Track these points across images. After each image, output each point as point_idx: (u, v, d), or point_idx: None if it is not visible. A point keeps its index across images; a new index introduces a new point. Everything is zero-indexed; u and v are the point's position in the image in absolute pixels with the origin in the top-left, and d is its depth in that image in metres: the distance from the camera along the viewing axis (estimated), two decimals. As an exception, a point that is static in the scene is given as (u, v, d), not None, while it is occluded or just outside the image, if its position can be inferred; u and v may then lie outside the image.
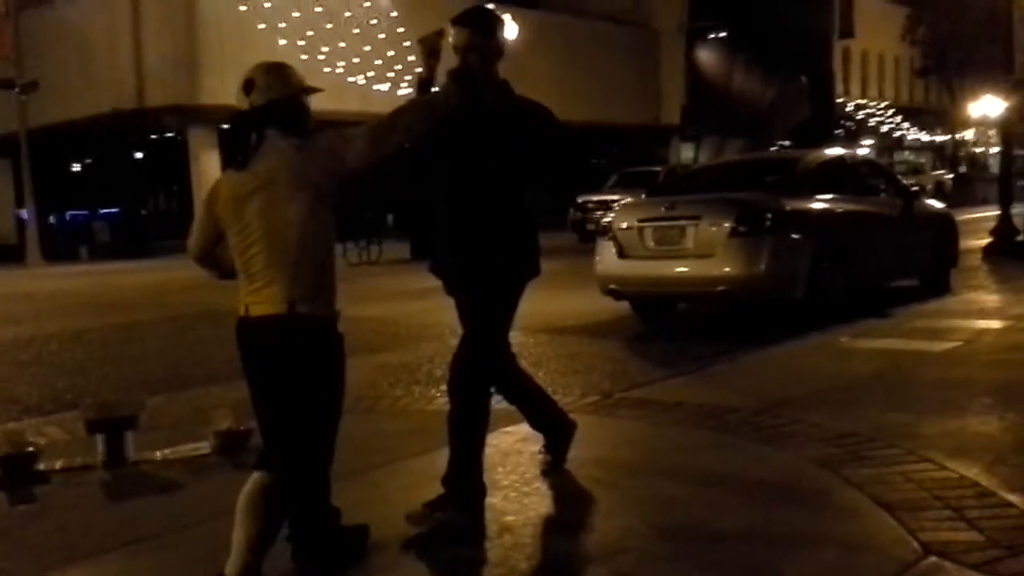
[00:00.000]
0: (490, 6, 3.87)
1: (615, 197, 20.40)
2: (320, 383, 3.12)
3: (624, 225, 8.79)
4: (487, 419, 3.77)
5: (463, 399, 3.74)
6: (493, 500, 3.85)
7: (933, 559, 3.08)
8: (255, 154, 3.14)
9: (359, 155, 3.14)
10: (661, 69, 39.31)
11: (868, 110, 50.65)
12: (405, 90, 27.84)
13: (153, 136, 28.74)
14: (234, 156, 3.20)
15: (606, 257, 8.89)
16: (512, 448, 4.62)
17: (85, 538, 3.77)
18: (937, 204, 11.99)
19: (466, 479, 3.69)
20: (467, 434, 3.72)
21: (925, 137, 55.11)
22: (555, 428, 4.27)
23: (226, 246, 3.24)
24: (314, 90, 3.29)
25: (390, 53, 27.85)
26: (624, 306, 9.25)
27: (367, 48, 27.44)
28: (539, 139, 3.73)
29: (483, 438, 3.75)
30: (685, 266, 8.34)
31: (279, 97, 3.15)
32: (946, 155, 53.77)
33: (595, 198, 24.62)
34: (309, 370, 3.08)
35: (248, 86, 3.16)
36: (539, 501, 3.92)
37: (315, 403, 3.11)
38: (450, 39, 3.68)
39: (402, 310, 10.95)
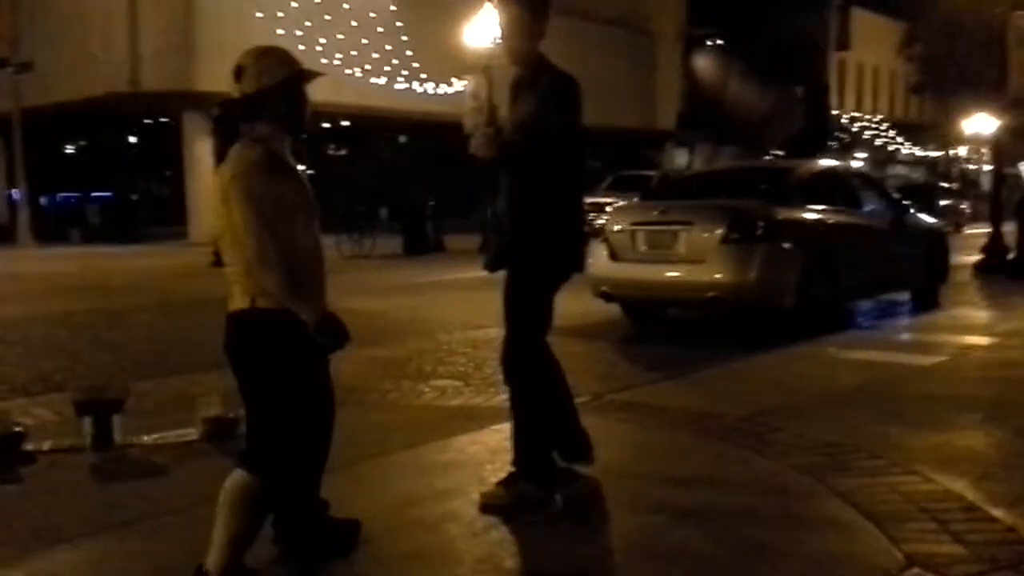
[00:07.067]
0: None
1: (608, 200, 20.42)
2: (292, 378, 3.02)
3: (617, 228, 8.81)
4: (545, 398, 3.92)
5: (516, 384, 3.90)
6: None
7: (916, 571, 3.10)
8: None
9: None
10: (657, 74, 39.41)
11: (862, 123, 50.86)
12: (401, 84, 27.86)
13: (147, 120, 28.62)
14: (223, 148, 3.09)
15: (598, 259, 8.90)
16: (500, 445, 4.62)
17: (71, 520, 3.76)
18: (928, 219, 12.05)
19: (534, 456, 3.86)
20: (527, 415, 3.89)
21: (919, 152, 55.37)
22: (572, 442, 4.18)
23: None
24: (312, 75, 3.13)
25: (387, 47, 27.82)
26: (615, 308, 9.27)
27: (365, 41, 27.37)
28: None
29: (545, 416, 3.92)
30: (676, 271, 8.37)
31: (269, 85, 3.00)
32: (939, 171, 54.01)
33: (588, 200, 24.63)
34: (277, 365, 2.99)
35: (238, 73, 3.01)
36: (526, 499, 3.92)
37: (289, 398, 3.02)
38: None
39: (392, 304, 10.94)
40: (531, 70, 3.86)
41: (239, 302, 3.01)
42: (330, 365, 3.20)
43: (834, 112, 46.79)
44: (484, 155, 3.73)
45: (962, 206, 30.10)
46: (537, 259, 3.83)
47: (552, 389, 4.05)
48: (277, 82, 3.02)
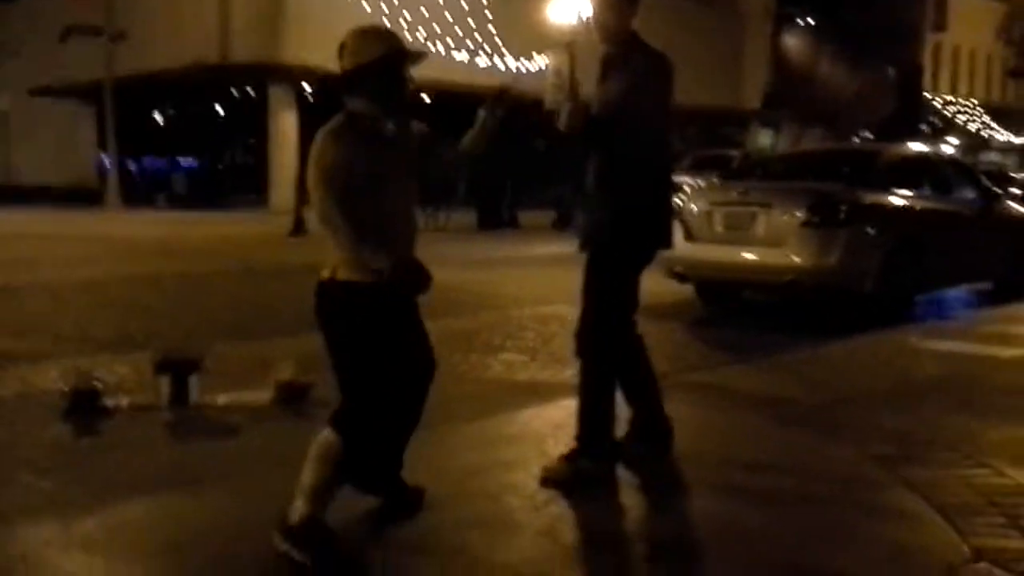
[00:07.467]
0: None
1: (686, 179, 20.13)
2: (370, 348, 3.12)
3: (694, 208, 8.70)
4: (611, 381, 3.92)
5: (586, 360, 3.90)
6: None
7: (984, 565, 3.03)
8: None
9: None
10: (744, 52, 38.66)
11: (956, 107, 49.27)
12: (484, 60, 27.84)
13: (234, 91, 29.16)
14: (319, 121, 3.23)
15: (674, 239, 8.79)
16: (564, 421, 4.61)
17: (146, 474, 3.90)
18: (1020, 208, 11.61)
19: (597, 433, 3.86)
20: (594, 392, 3.88)
21: (1015, 139, 53.42)
22: (650, 424, 4.18)
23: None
24: (413, 55, 3.26)
25: (471, 22, 27.83)
26: (687, 289, 9.16)
27: (448, 16, 27.44)
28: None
29: (612, 396, 3.91)
30: (753, 253, 8.24)
31: (366, 62, 3.12)
32: (1033, 159, 52.04)
33: (667, 179, 24.34)
34: (356, 335, 3.13)
35: (341, 50, 3.18)
36: (587, 475, 3.93)
37: (368, 367, 3.13)
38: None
39: (465, 278, 10.98)
40: (623, 48, 3.84)
41: (326, 271, 3.15)
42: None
43: (927, 95, 45.41)
44: (572, 130, 3.71)
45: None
46: (625, 236, 3.83)
47: (633, 370, 4.04)
48: (373, 59, 3.13)
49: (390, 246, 3.07)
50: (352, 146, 3.07)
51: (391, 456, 3.44)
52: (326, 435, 3.13)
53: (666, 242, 4.01)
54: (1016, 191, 27.09)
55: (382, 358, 3.14)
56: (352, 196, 3.02)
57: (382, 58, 3.14)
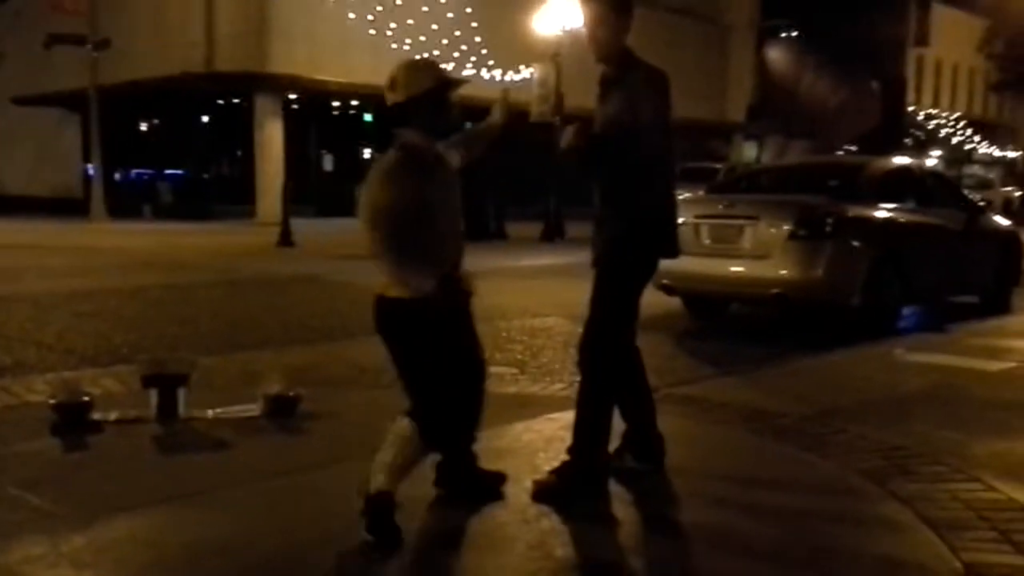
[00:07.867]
0: None
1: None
2: (422, 356, 3.36)
3: (681, 220, 8.67)
4: (611, 394, 3.94)
5: (588, 373, 3.91)
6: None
7: (975, 580, 3.05)
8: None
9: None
10: (728, 65, 38.85)
11: (939, 121, 49.66)
12: (470, 70, 27.89)
13: (220, 101, 29.09)
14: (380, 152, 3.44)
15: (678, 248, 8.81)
16: (554, 434, 4.63)
17: (134, 489, 3.87)
18: (1003, 221, 11.72)
19: (592, 447, 3.87)
20: (593, 406, 3.89)
21: (996, 152, 53.93)
22: (643, 438, 4.19)
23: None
24: (457, 83, 3.48)
25: (457, 32, 27.88)
26: (675, 302, 9.19)
27: (435, 27, 27.48)
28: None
29: (610, 411, 3.93)
30: (740, 266, 8.27)
31: (417, 93, 3.33)
32: (1016, 171, 52.55)
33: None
34: (405, 343, 3.39)
35: (391, 84, 3.36)
36: (579, 489, 3.92)
37: (422, 370, 3.37)
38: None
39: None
40: (619, 67, 3.86)
41: (381, 287, 3.38)
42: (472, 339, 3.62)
43: (910, 109, 45.78)
44: (574, 150, 3.71)
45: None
46: (637, 249, 3.85)
47: (629, 384, 4.05)
48: (424, 91, 3.36)
49: (437, 266, 3.29)
50: (409, 181, 3.28)
51: (462, 451, 3.72)
52: (404, 422, 3.35)
53: (673, 252, 4.03)
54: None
55: (440, 363, 3.38)
56: (406, 228, 3.23)
57: (432, 89, 3.37)
